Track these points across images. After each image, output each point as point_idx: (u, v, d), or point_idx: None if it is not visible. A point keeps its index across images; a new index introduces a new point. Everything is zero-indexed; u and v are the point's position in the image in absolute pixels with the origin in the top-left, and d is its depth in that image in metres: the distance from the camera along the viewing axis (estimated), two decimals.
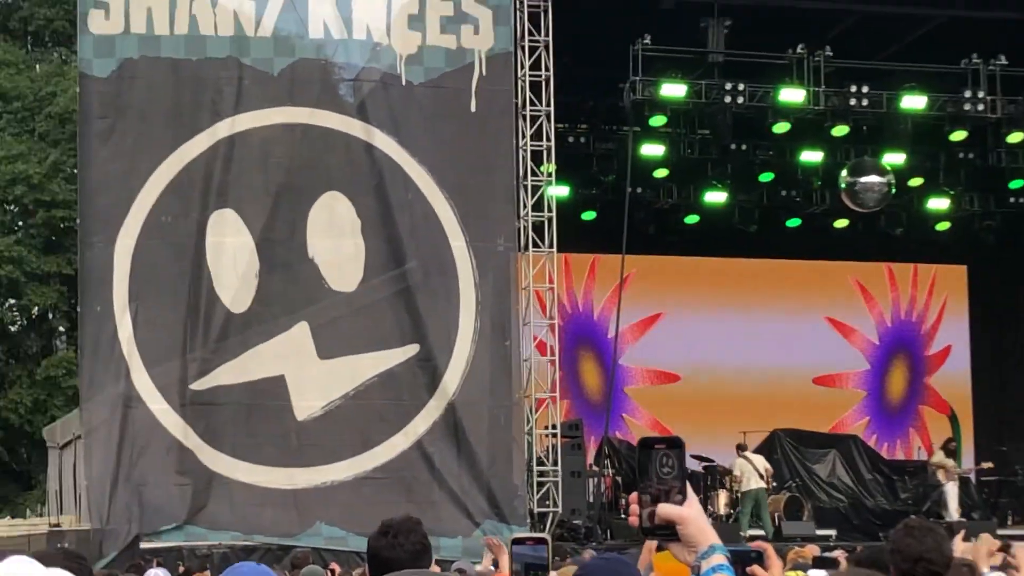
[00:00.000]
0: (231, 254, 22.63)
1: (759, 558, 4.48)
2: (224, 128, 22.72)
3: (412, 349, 23.02)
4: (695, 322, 32.02)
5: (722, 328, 31.99)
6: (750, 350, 31.94)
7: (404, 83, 23.32)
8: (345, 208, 23.09)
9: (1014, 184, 31.11)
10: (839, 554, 11.89)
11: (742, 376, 31.61)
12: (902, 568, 6.61)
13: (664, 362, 32.04)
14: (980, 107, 27.02)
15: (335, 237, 23.04)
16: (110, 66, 22.53)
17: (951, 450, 29.02)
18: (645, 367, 31.97)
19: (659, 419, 31.47)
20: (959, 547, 7.33)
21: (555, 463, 23.79)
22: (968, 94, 26.94)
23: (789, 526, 25.31)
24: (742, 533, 23.89)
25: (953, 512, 27.68)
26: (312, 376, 22.68)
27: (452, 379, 22.98)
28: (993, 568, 7.61)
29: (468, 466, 22.80)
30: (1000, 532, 23.71)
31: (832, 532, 25.91)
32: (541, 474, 23.67)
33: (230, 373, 22.43)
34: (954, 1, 27.19)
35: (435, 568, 7.55)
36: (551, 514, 23.42)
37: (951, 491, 28.21)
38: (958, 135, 28.24)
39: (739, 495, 26.04)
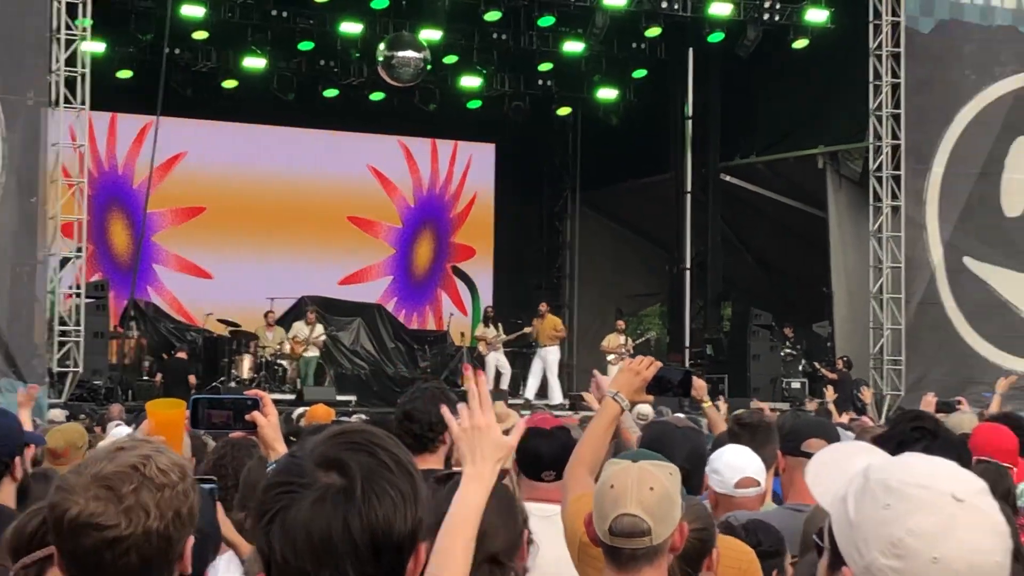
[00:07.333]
0: None
1: (255, 405, 4.74)
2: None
3: None
4: (222, 158, 32.17)
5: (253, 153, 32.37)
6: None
7: None
8: None
9: (542, 67, 32.24)
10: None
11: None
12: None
13: (190, 197, 32.09)
14: None
15: None
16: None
17: (489, 316, 30.05)
18: (171, 208, 31.78)
19: (186, 256, 31.43)
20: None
21: (78, 323, 23.50)
22: None
23: (311, 391, 25.80)
24: None
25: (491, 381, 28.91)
26: None
27: None
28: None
29: None
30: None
31: (352, 398, 26.53)
32: (63, 334, 23.35)
33: None
34: None
35: None
36: (71, 374, 23.16)
37: (491, 360, 29.19)
38: (492, 15, 28.95)
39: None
